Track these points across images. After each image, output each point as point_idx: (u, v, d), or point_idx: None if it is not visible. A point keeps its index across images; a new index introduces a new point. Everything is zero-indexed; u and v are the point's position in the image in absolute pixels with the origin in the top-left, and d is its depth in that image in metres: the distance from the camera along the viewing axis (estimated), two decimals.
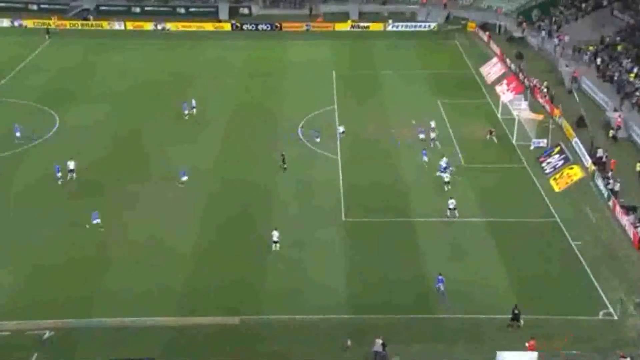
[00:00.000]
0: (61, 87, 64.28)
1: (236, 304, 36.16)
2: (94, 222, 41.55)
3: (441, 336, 34.05)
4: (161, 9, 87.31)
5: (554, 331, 34.17)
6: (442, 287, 36.39)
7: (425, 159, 49.94)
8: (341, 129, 54.04)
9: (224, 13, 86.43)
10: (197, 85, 64.79)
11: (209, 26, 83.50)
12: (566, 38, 69.81)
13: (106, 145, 52.84)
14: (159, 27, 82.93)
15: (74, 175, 47.22)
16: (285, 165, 49.07)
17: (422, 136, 53.38)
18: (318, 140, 51.83)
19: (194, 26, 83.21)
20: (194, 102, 58.51)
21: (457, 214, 43.24)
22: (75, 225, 42.39)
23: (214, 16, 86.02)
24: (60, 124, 56.52)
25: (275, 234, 40.13)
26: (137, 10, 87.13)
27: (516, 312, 34.33)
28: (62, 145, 52.66)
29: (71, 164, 47.35)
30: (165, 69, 69.50)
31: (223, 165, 50.30)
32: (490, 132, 54.62)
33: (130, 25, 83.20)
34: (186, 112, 57.56)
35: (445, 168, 47.78)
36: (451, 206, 43.35)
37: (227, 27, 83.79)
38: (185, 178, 46.68)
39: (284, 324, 34.84)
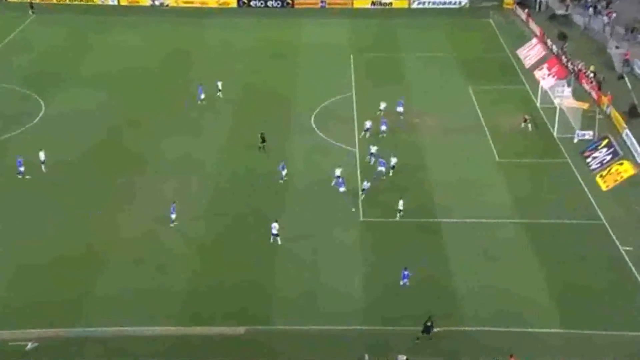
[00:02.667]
0: (46, 69, 64.88)
1: (242, 309, 36.56)
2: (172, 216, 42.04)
3: (470, 352, 34.09)
4: None
5: (599, 349, 34.11)
6: (407, 283, 37.22)
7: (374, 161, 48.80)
8: (368, 124, 52.62)
9: None
10: (200, 69, 65.13)
11: (212, 2, 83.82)
12: (615, 15, 69.26)
13: (98, 134, 53.36)
14: (157, 2, 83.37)
15: (44, 167, 47.69)
16: (262, 145, 49.78)
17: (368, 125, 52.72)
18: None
19: (196, 2, 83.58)
20: (219, 84, 59.10)
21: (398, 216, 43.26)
22: (64, 222, 42.94)
23: None
24: (46, 111, 57.12)
25: (275, 226, 40.64)
26: None
27: (429, 324, 34.29)
28: (47, 134, 53.27)
29: (42, 155, 47.87)
30: (164, 50, 69.96)
31: (229, 157, 50.73)
32: (525, 120, 54.56)
33: (124, 1, 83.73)
34: (202, 96, 58.06)
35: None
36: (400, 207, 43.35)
37: (232, 3, 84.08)
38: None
39: (293, 335, 35.08)
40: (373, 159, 48.89)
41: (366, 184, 45.14)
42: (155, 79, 63.14)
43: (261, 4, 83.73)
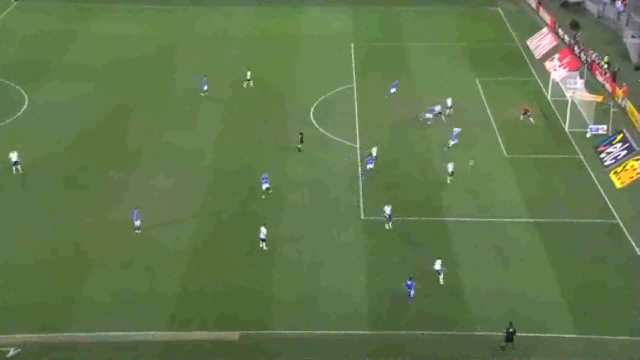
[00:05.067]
0: (30, 59, 64.65)
1: (237, 314, 36.42)
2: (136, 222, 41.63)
3: (479, 358, 33.91)
4: None
5: (613, 355, 34.03)
6: (412, 293, 36.60)
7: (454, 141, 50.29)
8: (374, 151, 48.49)
9: None
10: (194, 60, 64.97)
11: None
12: (632, 3, 69.09)
13: (85, 129, 53.16)
14: None
15: (19, 168, 47.13)
16: (300, 146, 49.57)
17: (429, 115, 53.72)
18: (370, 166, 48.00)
19: None
20: (248, 74, 59.40)
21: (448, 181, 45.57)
22: (49, 220, 42.77)
23: None
24: (30, 103, 56.90)
25: (263, 231, 40.43)
26: None
27: (510, 330, 34.06)
28: (31, 128, 53.09)
29: (14, 156, 47.27)
30: (156, 39, 69.77)
31: (224, 153, 50.57)
32: (525, 112, 54.22)
33: None
34: (205, 87, 58.05)
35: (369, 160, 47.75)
36: (450, 170, 45.49)
37: None
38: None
39: (292, 340, 34.92)
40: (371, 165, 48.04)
41: (387, 210, 42.69)
42: (145, 70, 62.92)
43: None
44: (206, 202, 45.04)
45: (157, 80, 61.10)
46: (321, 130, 53.26)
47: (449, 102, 55.04)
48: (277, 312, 36.50)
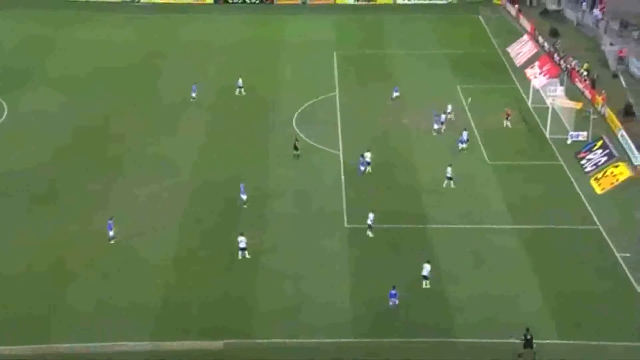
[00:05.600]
0: (11, 68, 64.43)
1: (221, 324, 36.36)
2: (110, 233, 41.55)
3: None
4: None
5: None
6: (396, 302, 36.92)
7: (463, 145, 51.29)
8: (368, 156, 48.73)
9: None
10: (176, 68, 65.07)
11: None
12: (610, 11, 69.79)
13: (66, 138, 53.03)
14: None
15: None
16: (298, 152, 50.08)
17: (436, 126, 54.09)
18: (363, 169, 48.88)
19: None
20: (240, 81, 59.79)
21: (452, 185, 46.63)
22: (31, 231, 42.57)
23: None
24: (10, 112, 56.68)
25: (243, 240, 40.42)
26: None
27: (529, 337, 34.23)
28: (11, 138, 52.89)
29: None
30: (139, 47, 69.76)
31: (207, 161, 50.58)
32: (507, 116, 54.97)
33: None
34: (194, 94, 58.46)
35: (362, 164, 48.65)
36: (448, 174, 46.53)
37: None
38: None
39: (277, 349, 34.93)
40: (363, 168, 48.79)
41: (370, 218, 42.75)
42: (128, 78, 62.89)
43: (240, 0, 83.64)
44: (189, 211, 45.02)
45: (140, 88, 61.15)
46: (304, 138, 53.47)
47: (449, 107, 55.48)
48: (261, 321, 36.52)
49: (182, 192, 46.83)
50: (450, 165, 47.53)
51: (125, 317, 36.59)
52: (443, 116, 54.50)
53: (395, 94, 58.69)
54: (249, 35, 73.93)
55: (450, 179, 47.28)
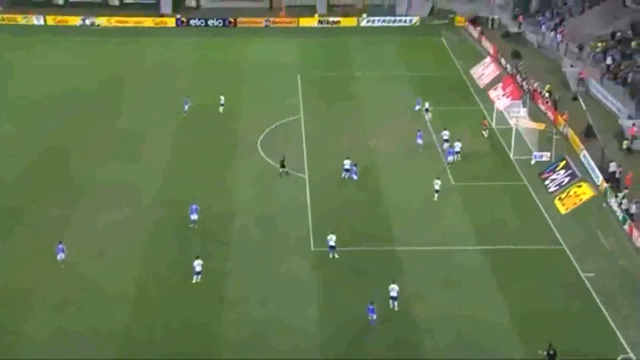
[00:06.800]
0: None
1: (186, 351, 35.98)
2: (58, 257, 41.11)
3: None
4: (90, 0, 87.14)
5: None
6: (374, 317, 37.28)
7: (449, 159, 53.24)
8: (347, 163, 50.63)
9: (166, 6, 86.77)
10: (136, 93, 64.85)
11: (148, 21, 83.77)
12: (569, 33, 71.37)
13: (21, 164, 52.45)
14: (88, 22, 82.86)
15: None
16: (286, 169, 50.81)
17: (420, 141, 55.28)
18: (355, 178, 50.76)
19: (130, 21, 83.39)
20: (222, 99, 60.74)
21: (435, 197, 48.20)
22: None
23: (154, 9, 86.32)
24: None
25: (198, 264, 40.29)
26: (61, 1, 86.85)
27: (551, 352, 34.60)
28: None
29: None
30: (99, 70, 69.41)
31: (170, 187, 50.35)
32: (485, 127, 57.79)
33: (51, 20, 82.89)
34: (186, 107, 59.64)
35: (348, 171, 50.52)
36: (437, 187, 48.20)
37: (170, 22, 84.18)
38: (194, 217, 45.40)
39: None
40: (347, 174, 50.38)
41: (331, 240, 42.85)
42: (88, 102, 62.51)
43: (201, 23, 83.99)
44: (152, 236, 44.70)
45: (100, 112, 60.75)
46: (269, 161, 53.57)
47: (446, 134, 55.68)
48: (227, 348, 36.24)
49: (145, 217, 46.49)
50: (438, 178, 48.75)
51: (85, 345, 36.00)
52: (457, 145, 54.08)
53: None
54: (212, 58, 74.15)
55: (437, 191, 48.45)
